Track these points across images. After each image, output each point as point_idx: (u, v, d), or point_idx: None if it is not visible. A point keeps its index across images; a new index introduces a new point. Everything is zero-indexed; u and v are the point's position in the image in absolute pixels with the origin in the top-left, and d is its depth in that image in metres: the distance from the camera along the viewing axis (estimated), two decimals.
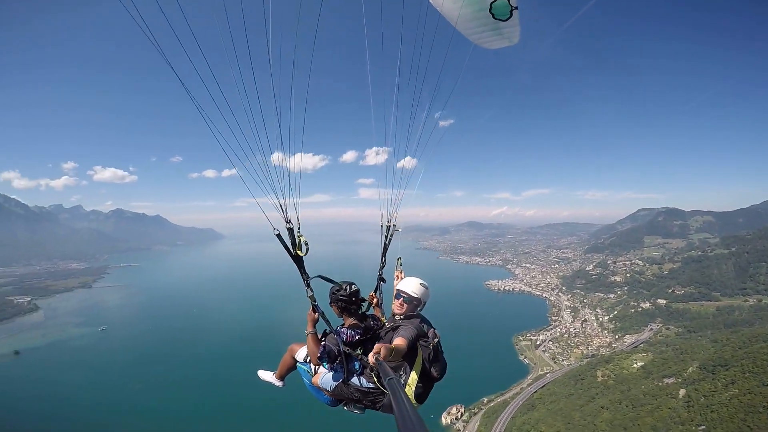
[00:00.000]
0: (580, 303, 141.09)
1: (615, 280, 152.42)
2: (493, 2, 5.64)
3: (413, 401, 4.18)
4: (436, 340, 4.48)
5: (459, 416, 70.41)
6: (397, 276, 5.89)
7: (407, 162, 6.16)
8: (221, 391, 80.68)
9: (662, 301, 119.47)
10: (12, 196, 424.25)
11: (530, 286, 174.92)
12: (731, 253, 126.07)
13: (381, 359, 3.21)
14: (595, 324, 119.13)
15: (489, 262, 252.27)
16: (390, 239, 6.11)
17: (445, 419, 69.97)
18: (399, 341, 3.93)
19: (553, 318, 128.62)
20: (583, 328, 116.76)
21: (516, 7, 5.65)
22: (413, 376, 4.25)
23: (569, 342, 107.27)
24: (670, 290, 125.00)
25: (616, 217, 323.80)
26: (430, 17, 5.88)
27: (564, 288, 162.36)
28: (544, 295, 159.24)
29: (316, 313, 5.06)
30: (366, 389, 4.62)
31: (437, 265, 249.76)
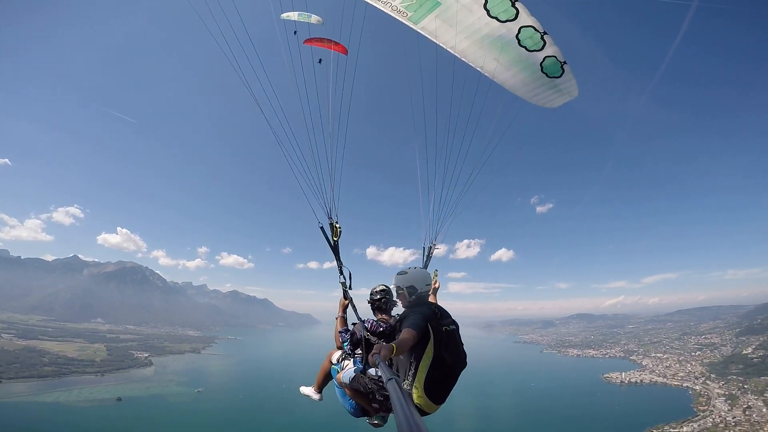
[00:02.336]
0: (739, 390, 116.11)
1: None
2: (542, 62, 6.15)
3: (424, 396, 4.17)
4: (452, 327, 4.42)
5: None
6: (434, 283, 6.23)
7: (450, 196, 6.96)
8: None
9: None
10: (156, 271, 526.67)
11: (664, 377, 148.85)
12: None
13: (381, 359, 3.09)
14: (764, 410, 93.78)
15: (607, 354, 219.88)
16: (430, 257, 6.77)
17: None
18: (402, 334, 3.90)
19: (701, 408, 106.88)
20: (746, 416, 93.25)
21: (565, 62, 6.16)
22: (425, 361, 4.16)
23: None
24: None
25: None
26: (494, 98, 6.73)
27: (713, 375, 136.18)
28: (684, 384, 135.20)
29: (347, 300, 5.79)
30: (377, 377, 4.70)
31: (542, 359, 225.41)
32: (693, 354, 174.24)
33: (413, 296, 4.78)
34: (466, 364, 4.41)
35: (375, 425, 5.14)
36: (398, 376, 4.23)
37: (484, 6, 5.73)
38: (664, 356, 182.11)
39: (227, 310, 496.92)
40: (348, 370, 5.01)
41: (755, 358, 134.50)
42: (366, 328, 4.93)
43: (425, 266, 6.51)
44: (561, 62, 6.13)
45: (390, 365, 4.11)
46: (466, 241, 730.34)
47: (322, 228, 6.21)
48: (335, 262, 6.12)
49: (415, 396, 4.14)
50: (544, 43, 5.97)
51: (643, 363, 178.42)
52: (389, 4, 5.98)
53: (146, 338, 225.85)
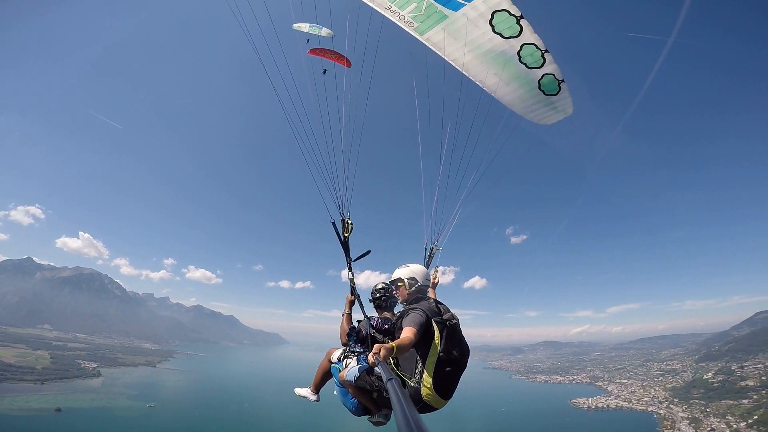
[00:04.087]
0: (702, 413, 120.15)
1: (747, 384, 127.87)
2: (540, 80, 6.29)
3: (433, 391, 4.10)
4: (454, 321, 4.33)
5: None
6: (434, 278, 6.33)
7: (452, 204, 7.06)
8: None
9: None
10: (116, 280, 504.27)
11: (630, 402, 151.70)
12: None
13: (381, 359, 3.03)
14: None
15: (573, 380, 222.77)
16: (431, 257, 6.79)
17: None
18: (404, 332, 3.84)
19: (666, 431, 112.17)
20: None
21: (563, 80, 6.32)
22: (432, 357, 4.08)
23: None
24: None
25: (728, 324, 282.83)
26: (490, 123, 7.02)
27: (676, 400, 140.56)
28: (649, 409, 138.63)
29: (354, 296, 5.71)
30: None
31: (511, 384, 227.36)
32: (656, 379, 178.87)
33: (413, 287, 4.84)
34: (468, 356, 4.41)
35: (377, 423, 5.10)
36: (398, 375, 4.14)
37: (490, 21, 5.78)
38: (629, 382, 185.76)
39: (189, 324, 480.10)
40: (352, 368, 4.90)
41: (715, 382, 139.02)
42: (372, 326, 4.95)
43: (426, 266, 6.48)
44: (559, 80, 6.29)
45: (397, 364, 4.24)
46: (441, 268, 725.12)
47: (333, 223, 6.14)
48: (346, 263, 6.01)
49: (423, 392, 4.07)
50: (544, 60, 6.07)
51: (609, 388, 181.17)
52: (398, 14, 6.04)
53: (97, 348, 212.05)
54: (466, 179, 6.80)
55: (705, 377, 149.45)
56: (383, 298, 5.42)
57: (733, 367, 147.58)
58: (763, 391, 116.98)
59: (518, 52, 6.00)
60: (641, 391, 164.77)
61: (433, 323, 4.08)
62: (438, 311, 4.30)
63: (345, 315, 5.57)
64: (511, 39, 5.88)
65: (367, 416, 5.13)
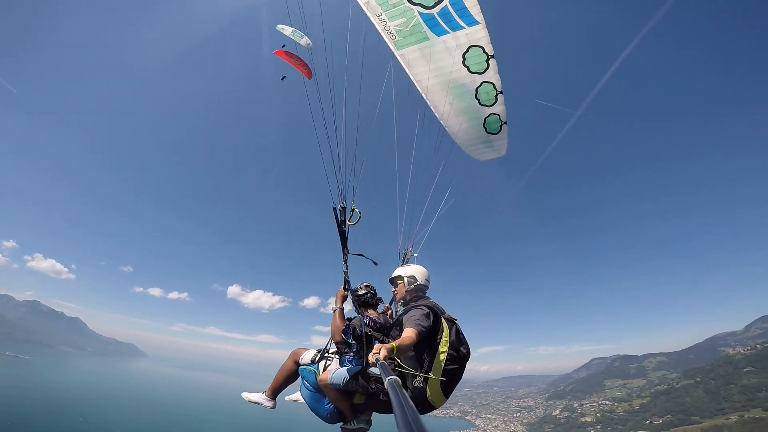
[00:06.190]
0: None
1: (586, 420, 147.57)
2: (486, 117, 6.58)
3: (438, 390, 4.03)
4: (456, 319, 4.34)
5: None
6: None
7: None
8: None
9: None
10: None
11: None
12: (697, 382, 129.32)
13: (381, 359, 2.94)
14: None
15: (446, 414, 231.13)
16: (405, 263, 6.33)
17: None
18: (405, 332, 3.75)
19: None
20: None
21: (505, 122, 6.66)
22: (440, 356, 3.99)
23: None
24: (647, 422, 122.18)
25: (571, 368, 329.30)
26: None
27: None
28: None
29: (347, 291, 5.23)
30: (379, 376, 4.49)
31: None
32: (515, 415, 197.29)
33: (412, 286, 4.74)
34: None
35: (357, 431, 4.74)
36: (401, 375, 3.88)
37: (464, 54, 6.02)
38: (493, 416, 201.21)
39: (18, 321, 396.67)
40: (338, 371, 4.51)
41: (562, 418, 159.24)
42: (366, 324, 4.62)
43: None
44: (502, 121, 6.61)
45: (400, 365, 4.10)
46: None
47: (335, 209, 5.75)
48: (342, 255, 5.54)
49: (429, 390, 3.99)
50: (496, 101, 6.38)
51: (476, 422, 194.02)
52: (385, 23, 6.15)
53: None
54: (426, 193, 6.87)
55: (554, 413, 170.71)
56: (369, 295, 5.17)
57: (575, 405, 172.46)
58: (599, 426, 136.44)
59: (477, 88, 6.28)
60: (503, 425, 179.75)
61: (443, 320, 4.10)
62: (439, 309, 4.29)
63: (338, 310, 5.07)
64: (475, 74, 6.16)
65: (341, 423, 4.78)
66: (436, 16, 5.85)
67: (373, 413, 4.76)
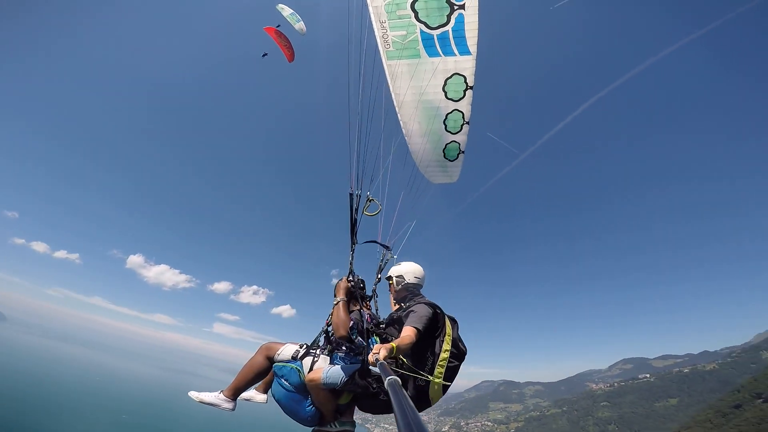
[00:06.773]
0: None
1: None
2: (448, 143, 6.82)
3: (440, 387, 3.88)
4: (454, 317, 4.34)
5: None
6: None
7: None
8: None
9: None
10: None
11: None
12: (563, 411, 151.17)
13: (380, 359, 2.83)
14: None
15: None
16: (386, 263, 5.96)
17: None
18: (404, 331, 3.66)
19: None
20: None
21: (463, 152, 6.92)
22: (444, 353, 3.89)
23: None
24: None
25: (463, 387, 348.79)
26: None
27: None
28: None
29: (351, 283, 4.76)
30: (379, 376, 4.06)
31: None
32: None
33: (400, 286, 4.62)
34: None
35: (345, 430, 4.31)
36: (403, 374, 3.68)
37: (446, 79, 6.23)
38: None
39: None
40: (333, 369, 4.06)
41: None
42: (367, 320, 4.34)
43: (379, 269, 5.83)
44: (461, 150, 6.83)
45: (404, 364, 3.79)
46: (254, 287, 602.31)
47: (351, 195, 5.60)
48: (350, 244, 5.41)
49: (432, 388, 3.83)
50: (461, 130, 6.61)
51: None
52: (385, 31, 6.23)
53: None
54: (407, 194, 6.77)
55: (443, 429, 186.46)
56: (361, 288, 4.89)
57: (461, 423, 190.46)
58: None
59: (448, 114, 6.45)
60: None
61: (446, 318, 4.09)
62: (438, 308, 4.16)
63: (341, 303, 4.37)
64: (450, 101, 6.34)
65: (317, 427, 4.29)
66: (435, 37, 6.03)
67: (356, 412, 4.43)
